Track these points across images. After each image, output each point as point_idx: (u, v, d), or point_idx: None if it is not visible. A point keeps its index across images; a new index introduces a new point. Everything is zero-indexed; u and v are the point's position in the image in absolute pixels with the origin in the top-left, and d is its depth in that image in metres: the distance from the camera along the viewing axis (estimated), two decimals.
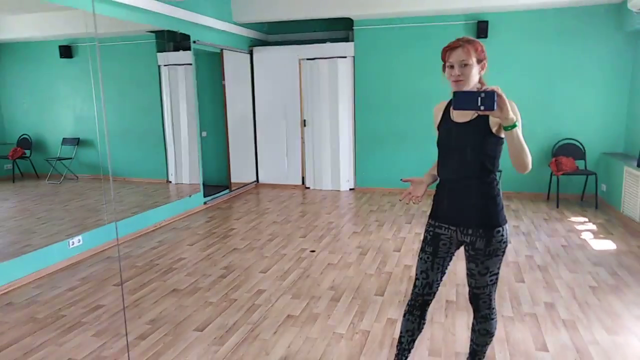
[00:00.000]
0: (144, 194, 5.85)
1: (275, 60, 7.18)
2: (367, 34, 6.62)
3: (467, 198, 1.92)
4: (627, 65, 5.78)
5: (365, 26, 6.61)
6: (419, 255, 2.11)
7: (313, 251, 4.40)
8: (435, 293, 2.10)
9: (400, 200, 2.07)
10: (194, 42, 5.87)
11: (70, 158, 5.16)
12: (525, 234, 4.80)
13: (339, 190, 7.08)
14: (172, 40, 5.67)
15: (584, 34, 5.87)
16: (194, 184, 6.21)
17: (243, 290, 3.56)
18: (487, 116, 1.80)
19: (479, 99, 1.56)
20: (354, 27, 6.68)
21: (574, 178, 5.95)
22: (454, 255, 2.08)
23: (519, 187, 6.34)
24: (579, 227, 5.01)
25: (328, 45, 6.84)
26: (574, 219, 5.35)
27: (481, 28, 6.09)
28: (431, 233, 2.05)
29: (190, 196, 6.00)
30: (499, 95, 1.57)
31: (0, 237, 4.19)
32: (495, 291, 2.03)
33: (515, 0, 5.59)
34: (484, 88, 1.58)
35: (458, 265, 3.96)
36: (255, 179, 7.62)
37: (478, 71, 1.86)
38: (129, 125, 5.42)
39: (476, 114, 1.84)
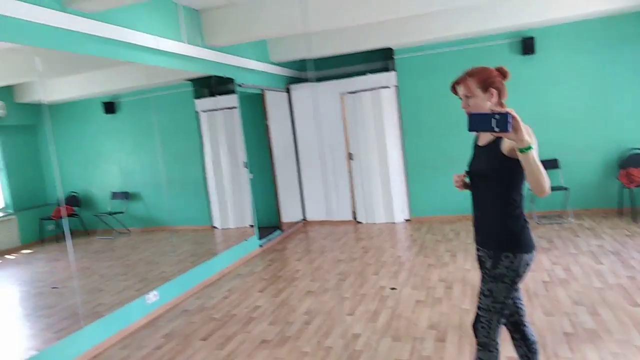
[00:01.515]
0: (194, 242, 5.72)
1: (315, 96, 7.15)
2: (408, 62, 6.57)
3: (485, 220, 2.00)
4: None
5: (406, 54, 6.56)
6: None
7: (394, 288, 4.16)
8: (517, 312, 2.12)
9: (462, 180, 2.08)
10: (240, 85, 5.87)
11: (122, 212, 5.07)
12: (614, 253, 4.49)
13: (393, 223, 6.86)
14: (209, 86, 5.67)
15: (635, 39, 5.70)
16: (240, 228, 6.07)
17: (335, 335, 3.33)
18: (500, 139, 1.85)
19: (493, 120, 1.59)
20: (395, 56, 6.63)
21: None
22: None
23: (587, 203, 6.05)
24: None
25: (369, 76, 6.79)
26: None
27: (527, 45, 5.97)
28: (477, 257, 2.14)
29: (247, 240, 5.84)
30: (513, 117, 1.58)
31: (68, 298, 4.05)
32: (497, 322, 1.94)
33: (558, 13, 5.46)
34: (498, 110, 1.59)
35: (560, 292, 3.69)
36: (302, 217, 7.46)
37: (487, 98, 1.92)
38: (171, 173, 5.37)
39: (493, 138, 1.90)
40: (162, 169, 5.12)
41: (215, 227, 6.00)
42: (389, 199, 6.85)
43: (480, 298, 2.00)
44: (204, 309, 4.11)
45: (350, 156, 7.07)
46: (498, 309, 1.94)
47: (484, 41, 6.21)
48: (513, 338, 2.18)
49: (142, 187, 5.14)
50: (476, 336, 2.02)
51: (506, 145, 1.82)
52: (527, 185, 1.81)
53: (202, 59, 5.11)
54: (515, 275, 1.90)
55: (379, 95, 6.73)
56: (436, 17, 5.80)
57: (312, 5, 4.83)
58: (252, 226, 6.09)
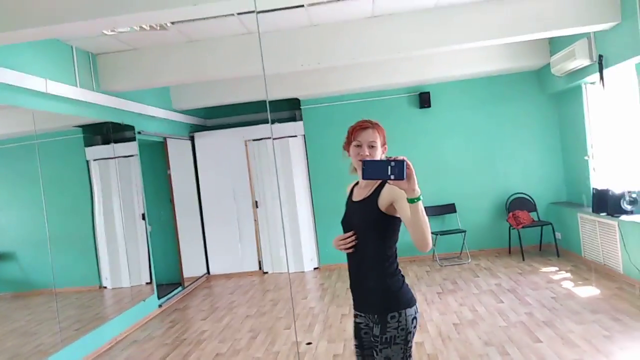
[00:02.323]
0: (80, 306, 5.04)
1: (219, 144, 6.96)
2: (315, 112, 6.70)
3: (364, 281, 1.87)
4: (554, 123, 6.37)
5: (313, 105, 6.70)
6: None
7: (309, 343, 3.97)
8: None
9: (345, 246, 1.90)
10: (139, 132, 5.51)
11: None
12: (511, 291, 4.78)
13: (302, 272, 6.71)
14: (103, 132, 5.25)
15: (514, 97, 6.44)
16: (136, 287, 5.50)
17: None
18: (377, 195, 1.82)
19: (389, 167, 1.54)
20: (302, 107, 6.74)
21: (529, 229, 6.19)
22: None
23: (482, 244, 6.47)
24: (555, 277, 5.13)
25: (276, 125, 6.80)
26: (544, 269, 5.48)
27: (424, 99, 6.45)
28: (354, 323, 1.98)
29: (144, 300, 5.29)
30: (408, 165, 1.54)
31: None
32: None
33: (451, 71, 6.02)
34: (393, 158, 1.56)
35: (470, 333, 3.78)
36: (205, 270, 7.02)
37: (380, 153, 1.91)
38: (53, 229, 4.76)
39: (370, 193, 1.86)
40: (43, 224, 4.50)
41: (104, 287, 5.36)
42: (298, 247, 6.73)
43: None
44: None
45: (256, 204, 6.90)
46: None
47: (387, 94, 6.58)
48: None
49: (17, 246, 4.46)
50: None
51: (384, 200, 1.80)
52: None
53: (98, 105, 4.74)
54: (406, 333, 1.81)
55: (287, 144, 6.73)
56: (342, 71, 6.05)
57: (217, 55, 4.76)
58: (149, 284, 5.55)
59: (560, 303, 4.27)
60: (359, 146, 1.88)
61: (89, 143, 5.16)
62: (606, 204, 4.84)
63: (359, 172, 1.87)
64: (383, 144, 1.92)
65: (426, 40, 4.54)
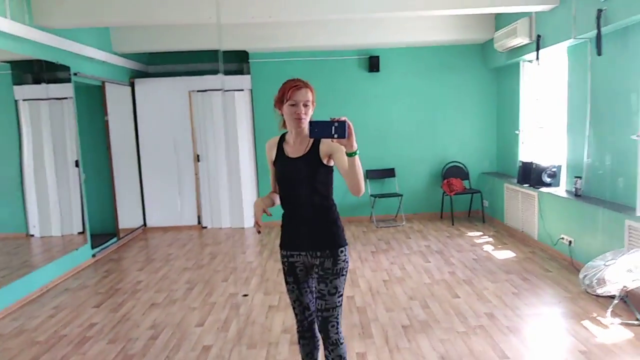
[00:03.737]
0: (6, 253, 4.85)
1: (161, 93, 6.71)
2: (264, 67, 6.58)
3: (311, 224, 2.10)
4: (492, 96, 6.69)
5: (261, 59, 6.57)
6: (286, 286, 2.22)
7: (246, 295, 4.09)
8: (314, 311, 2.21)
9: (259, 232, 2.16)
10: (75, 74, 5.19)
11: None
12: (438, 252, 5.13)
13: (242, 228, 6.77)
14: (35, 71, 4.92)
15: (458, 69, 6.66)
16: (67, 236, 5.35)
17: (186, 349, 3.12)
18: (318, 150, 2.04)
19: (333, 127, 1.72)
20: (250, 60, 6.60)
21: (460, 196, 6.59)
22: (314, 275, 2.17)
23: (416, 208, 6.80)
24: (478, 241, 5.54)
25: (220, 76, 6.63)
26: (470, 234, 5.90)
27: (373, 62, 6.51)
28: (286, 264, 2.19)
29: (76, 249, 5.16)
30: (349, 125, 1.73)
31: None
32: (341, 315, 2.14)
33: (401, 37, 6.11)
34: (336, 119, 1.72)
35: (398, 289, 4.06)
36: (142, 222, 6.90)
37: (311, 112, 2.08)
38: None
39: (308, 149, 2.06)
40: None
41: (32, 235, 5.15)
42: (239, 203, 6.76)
43: (325, 301, 2.06)
44: (23, 332, 3.48)
45: (197, 158, 6.80)
46: (341, 302, 2.11)
47: (337, 55, 6.57)
48: (303, 337, 2.25)
49: None
50: (328, 336, 2.09)
51: (323, 153, 2.03)
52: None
53: (30, 40, 4.40)
54: (348, 265, 2.12)
55: (232, 97, 6.61)
56: (294, 27, 5.96)
57: None
58: (81, 233, 5.39)
59: (480, 264, 4.65)
60: (294, 105, 2.01)
61: (18, 81, 4.82)
62: (530, 176, 5.24)
63: (293, 130, 2.06)
64: (313, 102, 2.06)
65: (379, 3, 4.57)
